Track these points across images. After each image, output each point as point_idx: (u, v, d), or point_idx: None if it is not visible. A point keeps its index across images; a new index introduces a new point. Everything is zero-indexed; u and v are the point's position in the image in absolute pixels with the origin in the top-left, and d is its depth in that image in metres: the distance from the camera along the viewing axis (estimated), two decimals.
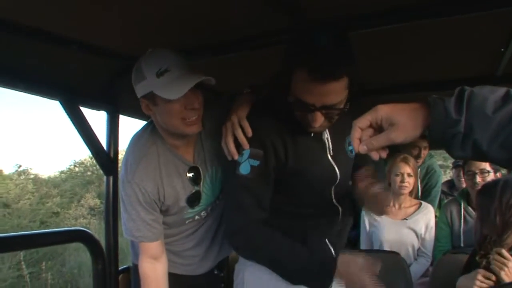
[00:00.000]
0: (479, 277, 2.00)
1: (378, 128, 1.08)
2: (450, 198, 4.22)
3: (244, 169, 1.64)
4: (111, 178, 2.20)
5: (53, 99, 1.93)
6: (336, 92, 1.44)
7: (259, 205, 1.67)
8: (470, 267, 2.18)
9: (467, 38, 1.82)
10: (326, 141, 1.74)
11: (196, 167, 1.90)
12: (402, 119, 1.03)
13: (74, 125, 2.00)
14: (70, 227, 12.48)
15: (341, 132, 1.75)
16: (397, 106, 1.07)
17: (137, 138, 1.89)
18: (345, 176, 1.84)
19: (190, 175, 1.88)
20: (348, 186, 1.96)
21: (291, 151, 1.65)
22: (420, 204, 3.26)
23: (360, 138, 1.09)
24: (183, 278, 2.10)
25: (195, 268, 2.14)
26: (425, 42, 1.87)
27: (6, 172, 16.60)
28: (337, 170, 1.76)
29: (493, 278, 1.98)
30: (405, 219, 3.14)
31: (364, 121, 1.08)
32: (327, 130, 1.71)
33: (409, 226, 3.13)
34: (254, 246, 1.68)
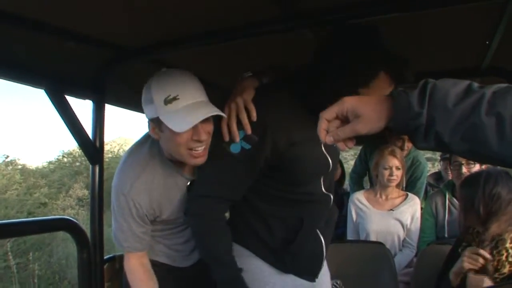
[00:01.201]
0: (467, 254, 2.04)
1: (344, 120, 1.11)
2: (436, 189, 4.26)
3: (234, 148, 1.65)
4: (97, 167, 2.19)
5: (38, 88, 1.91)
6: None
7: (232, 187, 1.71)
8: (452, 258, 2.21)
9: (453, 30, 1.82)
10: None
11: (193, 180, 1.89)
12: (366, 111, 1.07)
13: (60, 114, 1.97)
14: None
15: None
16: (363, 98, 1.12)
17: (136, 150, 1.88)
18: (334, 165, 1.85)
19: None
20: (334, 176, 1.99)
21: (289, 140, 1.64)
22: (407, 195, 3.28)
23: (327, 130, 1.13)
24: (170, 268, 2.11)
25: (183, 261, 2.14)
26: (411, 34, 1.87)
27: None
28: (329, 160, 1.78)
29: (481, 252, 2.01)
30: (391, 210, 3.16)
31: (330, 113, 1.12)
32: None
33: (395, 217, 3.16)
34: (205, 220, 1.73)
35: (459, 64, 2.25)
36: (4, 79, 1.80)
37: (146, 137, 1.89)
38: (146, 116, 1.71)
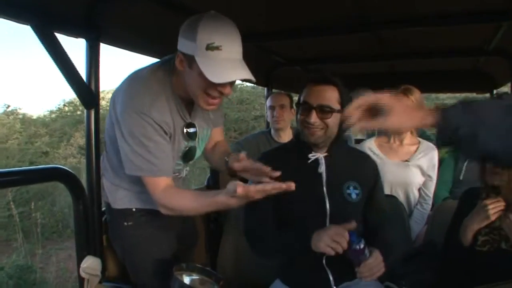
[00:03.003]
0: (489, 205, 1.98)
1: (373, 112, 1.27)
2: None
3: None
4: (92, 112, 2.03)
5: (24, 24, 1.72)
6: None
7: (259, 212, 2.00)
8: (461, 213, 2.12)
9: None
10: (322, 173, 1.98)
11: (193, 123, 1.93)
12: (401, 115, 1.21)
13: (49, 53, 1.79)
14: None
15: (340, 174, 2.01)
16: (397, 100, 1.27)
17: (148, 73, 1.82)
18: (339, 214, 1.95)
19: (190, 130, 1.91)
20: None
21: (284, 176, 1.75)
22: (420, 142, 3.09)
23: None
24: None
25: None
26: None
27: None
28: (327, 201, 1.95)
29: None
30: (407, 160, 2.99)
31: (369, 99, 1.27)
32: (324, 164, 1.99)
33: (413, 164, 2.99)
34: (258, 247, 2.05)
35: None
36: None
37: (156, 68, 1.84)
38: (179, 47, 1.69)
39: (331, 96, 1.91)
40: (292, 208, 1.98)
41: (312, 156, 1.98)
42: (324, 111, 1.89)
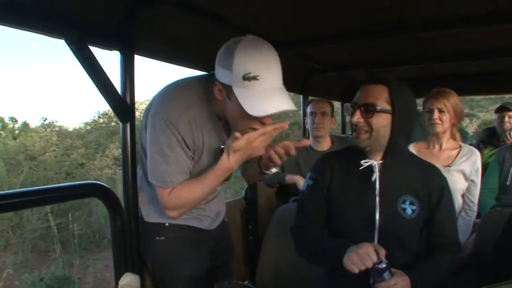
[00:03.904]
0: None
1: None
2: (490, 147, 3.97)
3: (304, 186, 2.03)
4: (128, 126, 1.97)
5: (57, 38, 1.68)
6: None
7: (310, 212, 1.96)
8: None
9: None
10: (375, 182, 1.84)
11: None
12: None
13: (84, 66, 1.75)
14: (95, 178, 12.59)
15: (396, 185, 1.85)
16: None
17: (186, 85, 1.80)
18: (389, 229, 1.83)
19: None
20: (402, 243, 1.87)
21: (335, 181, 1.89)
22: (461, 146, 2.94)
23: None
24: (199, 230, 2.05)
25: (212, 222, 2.11)
26: None
27: (32, 125, 16.88)
28: (377, 213, 1.82)
29: None
30: (448, 166, 2.86)
31: None
32: (377, 172, 1.84)
33: (455, 169, 2.83)
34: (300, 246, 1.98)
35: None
36: (18, 28, 1.58)
37: (198, 80, 1.80)
38: (218, 75, 1.65)
39: (377, 94, 1.78)
40: (341, 216, 1.89)
41: (365, 162, 1.84)
42: (367, 110, 1.76)
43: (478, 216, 2.91)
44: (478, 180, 2.89)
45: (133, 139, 1.99)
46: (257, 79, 1.54)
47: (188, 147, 1.74)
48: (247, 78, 1.54)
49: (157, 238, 1.97)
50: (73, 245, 8.80)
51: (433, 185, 1.89)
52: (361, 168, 1.84)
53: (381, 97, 1.77)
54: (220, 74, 1.63)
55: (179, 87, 1.79)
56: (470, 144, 3.51)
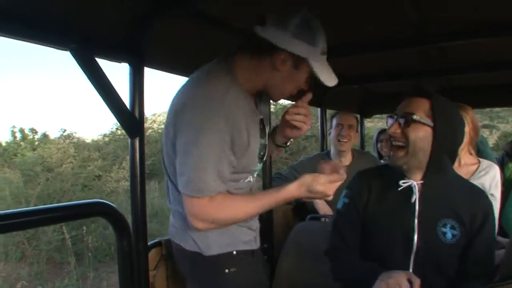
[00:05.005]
0: None
1: None
2: None
3: (340, 204, 1.95)
4: (136, 141, 1.88)
5: (61, 49, 1.61)
6: None
7: (345, 231, 1.89)
8: None
9: None
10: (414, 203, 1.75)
11: (262, 119, 1.83)
12: None
13: (90, 79, 1.67)
14: (112, 190, 12.59)
15: (437, 208, 1.75)
16: None
17: (208, 69, 1.70)
18: (427, 254, 1.72)
19: (261, 126, 1.79)
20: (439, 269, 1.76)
21: (372, 201, 1.84)
22: (480, 161, 2.85)
23: None
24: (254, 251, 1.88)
25: (257, 236, 1.93)
26: None
27: (52, 137, 16.98)
28: (415, 235, 1.72)
29: None
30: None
31: None
32: (417, 193, 1.74)
33: (475, 183, 2.72)
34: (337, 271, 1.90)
35: None
36: (22, 40, 1.50)
37: (221, 66, 1.70)
38: (288, 47, 1.60)
39: (417, 106, 1.71)
40: (376, 237, 1.81)
41: (404, 182, 1.74)
42: (404, 120, 1.69)
43: (498, 231, 2.79)
44: (498, 194, 2.79)
45: (142, 155, 1.90)
46: (325, 55, 1.68)
47: (233, 139, 1.60)
48: (323, 53, 1.66)
49: (227, 270, 1.75)
50: (88, 257, 8.75)
51: (477, 210, 1.76)
52: (400, 188, 1.75)
53: (420, 109, 1.70)
54: (296, 46, 1.60)
55: (204, 72, 1.69)
56: (495, 158, 3.40)
